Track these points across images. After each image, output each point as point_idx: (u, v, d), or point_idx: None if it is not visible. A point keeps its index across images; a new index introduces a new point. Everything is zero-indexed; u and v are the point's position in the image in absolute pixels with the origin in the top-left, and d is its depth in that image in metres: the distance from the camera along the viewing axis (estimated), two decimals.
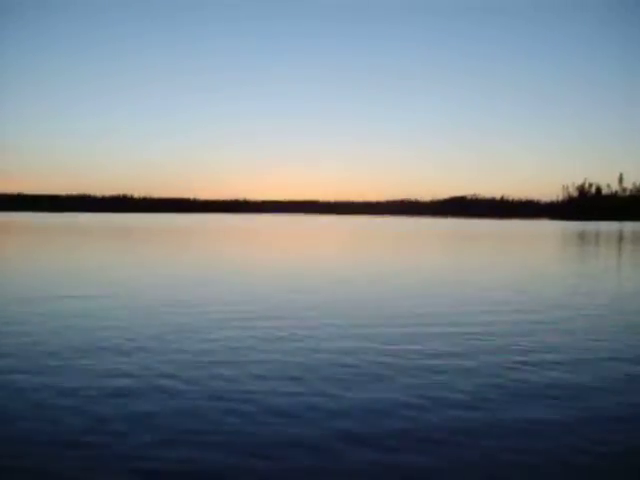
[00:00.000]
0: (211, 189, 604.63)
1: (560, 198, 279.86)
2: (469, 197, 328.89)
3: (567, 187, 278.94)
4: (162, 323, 10.56)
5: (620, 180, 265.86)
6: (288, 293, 14.74)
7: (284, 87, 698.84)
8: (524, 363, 8.03)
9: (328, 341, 9.26)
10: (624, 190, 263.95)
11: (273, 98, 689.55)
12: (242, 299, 13.54)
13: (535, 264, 24.37)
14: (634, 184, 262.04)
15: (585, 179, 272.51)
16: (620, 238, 55.53)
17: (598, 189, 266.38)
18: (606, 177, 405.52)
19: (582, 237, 56.66)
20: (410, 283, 17.27)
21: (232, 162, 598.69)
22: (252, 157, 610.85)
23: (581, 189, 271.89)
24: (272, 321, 10.90)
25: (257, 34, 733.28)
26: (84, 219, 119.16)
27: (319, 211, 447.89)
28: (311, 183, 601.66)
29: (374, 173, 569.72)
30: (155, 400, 6.29)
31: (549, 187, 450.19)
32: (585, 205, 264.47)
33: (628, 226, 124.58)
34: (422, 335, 9.84)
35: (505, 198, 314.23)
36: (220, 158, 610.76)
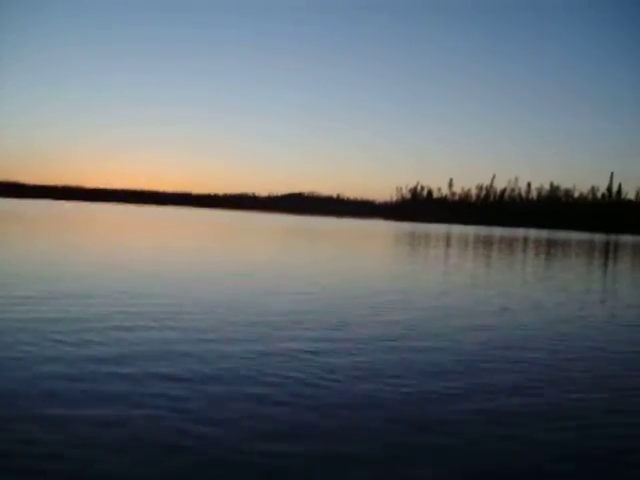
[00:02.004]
0: (46, 173, 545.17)
1: (394, 199, 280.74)
2: (306, 194, 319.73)
3: (401, 189, 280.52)
4: None
5: (450, 184, 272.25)
6: None
7: (131, 74, 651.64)
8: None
9: None
10: (453, 194, 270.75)
11: (121, 84, 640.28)
12: None
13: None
14: (462, 189, 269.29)
15: (417, 182, 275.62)
16: (447, 239, 51.02)
17: (429, 192, 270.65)
18: (437, 181, 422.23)
19: (401, 238, 51.44)
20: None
21: (73, 146, 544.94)
22: (94, 141, 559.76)
23: (414, 191, 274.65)
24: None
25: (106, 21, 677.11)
26: None
27: (158, 202, 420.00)
28: (153, 173, 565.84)
29: (217, 165, 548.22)
30: None
31: (384, 188, 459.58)
32: (417, 207, 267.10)
33: (455, 229, 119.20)
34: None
35: (341, 197, 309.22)
36: (58, 141, 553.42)
